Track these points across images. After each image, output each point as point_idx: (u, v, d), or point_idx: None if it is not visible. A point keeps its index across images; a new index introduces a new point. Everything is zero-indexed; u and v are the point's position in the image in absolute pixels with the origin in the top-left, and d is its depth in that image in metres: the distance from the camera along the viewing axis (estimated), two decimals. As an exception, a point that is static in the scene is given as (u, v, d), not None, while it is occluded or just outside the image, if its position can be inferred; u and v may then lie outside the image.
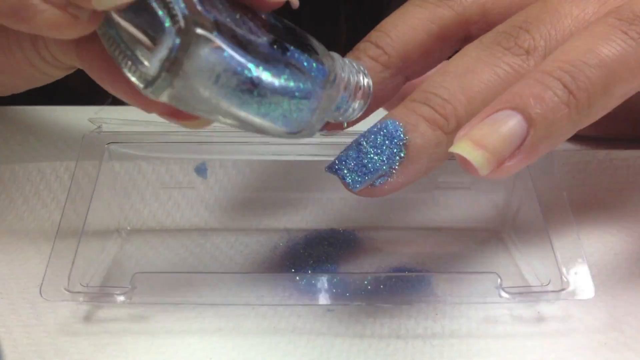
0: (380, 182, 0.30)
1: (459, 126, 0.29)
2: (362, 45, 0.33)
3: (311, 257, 0.37)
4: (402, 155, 0.29)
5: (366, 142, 0.30)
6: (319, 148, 0.38)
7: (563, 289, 0.31)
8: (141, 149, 0.37)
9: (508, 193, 0.39)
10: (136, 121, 0.37)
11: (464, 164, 0.27)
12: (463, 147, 0.27)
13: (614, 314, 0.32)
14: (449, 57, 0.33)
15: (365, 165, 0.30)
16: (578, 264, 0.32)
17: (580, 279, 0.31)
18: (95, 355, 0.30)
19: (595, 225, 0.38)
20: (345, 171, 0.30)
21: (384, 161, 0.30)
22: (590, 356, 0.30)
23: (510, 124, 0.27)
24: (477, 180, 0.39)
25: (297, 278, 0.32)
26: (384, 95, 0.34)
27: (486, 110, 0.27)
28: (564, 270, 0.32)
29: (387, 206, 0.40)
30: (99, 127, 0.37)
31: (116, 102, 0.58)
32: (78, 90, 0.53)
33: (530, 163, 0.27)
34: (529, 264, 0.36)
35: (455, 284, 0.33)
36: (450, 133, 0.29)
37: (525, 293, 0.31)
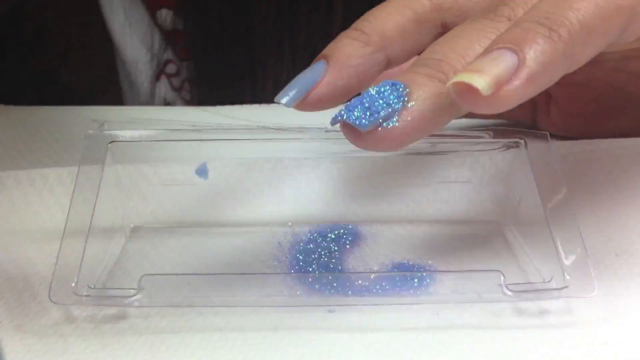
0: (388, 126, 0.29)
1: None
2: (343, 32, 0.35)
3: (315, 252, 0.37)
4: (405, 100, 0.29)
5: (370, 91, 0.30)
6: (321, 145, 0.38)
7: (566, 287, 0.31)
8: (144, 148, 0.37)
9: (508, 186, 0.39)
10: (138, 119, 0.37)
11: (463, 95, 0.27)
12: (462, 75, 0.27)
13: (616, 308, 0.32)
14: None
15: (369, 108, 0.29)
16: (580, 259, 0.32)
17: (582, 275, 0.32)
18: (95, 355, 0.30)
19: (596, 215, 0.38)
20: (350, 114, 0.29)
21: (388, 104, 0.29)
22: (591, 350, 0.30)
23: (503, 56, 0.28)
24: (477, 174, 0.40)
25: (310, 279, 0.33)
26: (365, 71, 0.34)
27: (482, 53, 0.29)
28: (566, 266, 0.32)
29: (389, 200, 0.40)
30: (102, 125, 0.37)
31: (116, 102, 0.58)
32: (78, 90, 0.53)
33: (529, 94, 0.28)
34: (530, 258, 0.36)
35: (459, 282, 0.33)
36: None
37: (529, 291, 0.32)
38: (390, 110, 0.29)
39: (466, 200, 0.40)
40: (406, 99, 0.29)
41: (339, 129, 0.37)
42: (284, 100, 0.32)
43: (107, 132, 0.37)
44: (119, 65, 0.67)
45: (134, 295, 0.32)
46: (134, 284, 0.32)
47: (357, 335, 0.31)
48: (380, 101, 0.29)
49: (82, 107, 0.48)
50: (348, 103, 0.30)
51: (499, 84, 0.27)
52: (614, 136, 0.43)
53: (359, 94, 0.30)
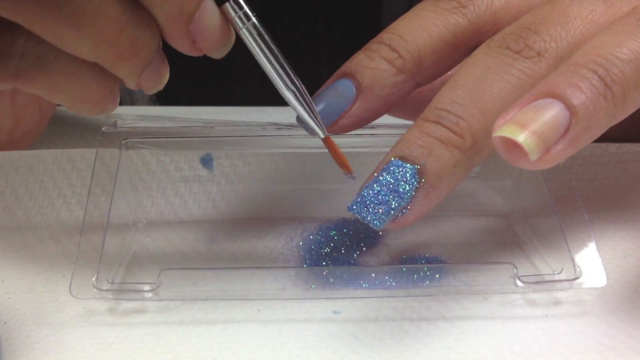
0: (402, 214, 0.30)
1: (475, 143, 0.29)
2: (374, 46, 0.33)
3: (326, 246, 0.38)
4: (419, 183, 0.29)
5: (382, 178, 0.30)
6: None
7: (576, 278, 0.32)
8: (157, 145, 0.38)
9: (517, 181, 0.40)
10: (150, 116, 0.38)
11: (508, 150, 0.26)
12: (509, 130, 0.26)
13: (625, 298, 0.33)
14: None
15: (383, 203, 0.30)
16: (589, 250, 0.33)
17: (592, 266, 0.33)
18: (99, 353, 0.30)
19: (605, 216, 0.39)
20: (366, 211, 0.30)
21: (401, 196, 0.29)
22: (602, 339, 0.31)
23: (553, 110, 0.26)
24: (486, 170, 0.40)
25: (325, 272, 0.34)
26: (393, 100, 0.33)
27: (524, 99, 0.27)
28: (576, 257, 0.33)
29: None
30: (115, 122, 0.37)
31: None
32: None
33: (573, 153, 0.27)
34: (539, 250, 0.37)
35: (471, 274, 0.34)
36: (467, 151, 0.29)
37: (541, 282, 0.33)
38: (403, 202, 0.30)
39: (476, 195, 0.41)
40: (419, 178, 0.29)
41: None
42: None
43: (120, 129, 0.37)
44: None
45: (154, 289, 0.32)
46: (151, 277, 0.33)
47: (368, 325, 0.32)
48: (394, 194, 0.30)
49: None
50: (360, 195, 0.30)
51: (548, 146, 0.26)
52: (609, 135, 0.43)
53: (372, 181, 0.30)
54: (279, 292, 0.34)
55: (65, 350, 0.30)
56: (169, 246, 0.38)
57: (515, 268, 0.33)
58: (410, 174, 0.29)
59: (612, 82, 0.27)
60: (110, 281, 0.33)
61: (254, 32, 0.30)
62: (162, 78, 0.31)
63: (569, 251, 0.33)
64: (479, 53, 0.31)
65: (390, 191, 0.30)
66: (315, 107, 0.32)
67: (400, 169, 0.30)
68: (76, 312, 0.33)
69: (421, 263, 0.37)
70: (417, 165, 0.29)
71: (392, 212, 0.30)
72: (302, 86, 0.31)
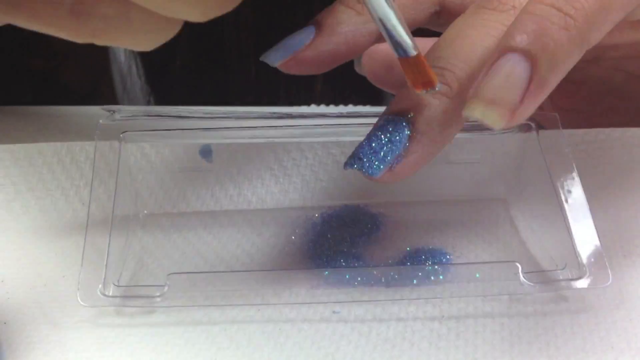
0: (398, 162, 0.30)
1: (461, 88, 0.29)
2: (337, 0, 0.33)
3: (328, 235, 0.37)
4: (409, 131, 0.29)
5: (376, 133, 0.30)
6: (328, 129, 0.38)
7: (581, 277, 0.32)
8: (157, 137, 0.37)
9: (518, 168, 0.40)
10: (148, 109, 0.37)
11: (479, 120, 0.27)
12: (475, 109, 0.26)
13: (629, 294, 0.33)
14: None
15: (377, 152, 0.30)
16: (593, 246, 0.33)
17: (596, 263, 0.32)
18: (100, 353, 0.30)
19: (608, 206, 0.38)
20: (361, 162, 0.30)
21: (395, 145, 0.30)
22: (606, 335, 0.31)
23: (512, 68, 0.26)
24: (487, 155, 0.40)
25: (326, 273, 0.34)
26: (357, 42, 0.33)
27: (488, 60, 0.27)
28: (580, 253, 0.33)
29: (400, 182, 0.40)
30: (113, 114, 0.37)
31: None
32: (78, 91, 0.52)
33: (542, 99, 0.27)
34: (541, 241, 0.37)
35: (475, 273, 0.33)
36: (455, 97, 0.29)
37: (546, 282, 0.33)
38: (397, 150, 0.30)
39: (476, 181, 0.40)
40: (410, 127, 0.29)
41: (348, 114, 0.37)
42: (269, 59, 0.32)
43: (118, 122, 0.37)
44: (112, 67, 0.65)
45: (161, 294, 0.32)
46: (156, 279, 0.33)
47: (369, 325, 0.32)
48: (386, 140, 0.30)
49: (86, 107, 0.47)
50: (355, 150, 0.30)
51: (512, 110, 0.26)
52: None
53: (366, 137, 0.30)
54: (285, 295, 0.33)
55: (66, 350, 0.30)
56: (170, 242, 0.38)
57: (520, 266, 0.32)
58: (401, 125, 0.30)
59: (574, 10, 0.26)
60: (117, 284, 0.33)
61: None
62: None
63: (574, 246, 0.33)
64: (458, 19, 0.31)
65: (384, 143, 0.30)
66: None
67: (392, 123, 0.30)
68: (76, 312, 0.33)
69: (425, 257, 0.36)
70: (407, 115, 0.30)
71: (388, 160, 0.30)
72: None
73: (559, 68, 0.27)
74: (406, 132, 0.30)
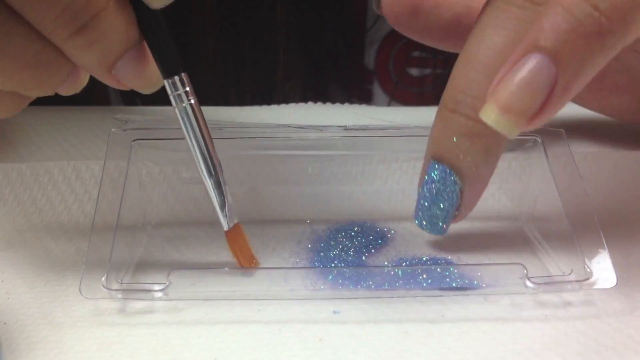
0: (459, 212, 0.33)
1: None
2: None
3: (335, 249, 0.37)
4: (460, 187, 0.31)
5: (425, 195, 0.33)
6: (339, 142, 0.38)
7: (587, 279, 0.32)
8: (166, 146, 0.38)
9: (526, 184, 0.40)
10: (159, 119, 0.38)
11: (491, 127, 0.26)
12: (489, 116, 0.25)
13: (636, 300, 0.33)
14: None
15: (436, 216, 0.33)
16: (599, 252, 0.32)
17: (602, 267, 0.32)
18: (100, 353, 0.30)
19: (615, 220, 0.38)
20: (425, 225, 0.34)
21: (450, 204, 0.32)
22: (602, 339, 0.30)
23: (535, 72, 0.24)
24: (495, 173, 0.40)
25: (328, 273, 0.33)
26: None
27: (512, 58, 0.25)
28: (586, 259, 0.32)
29: (408, 197, 0.40)
30: (125, 123, 0.37)
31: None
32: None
33: (566, 105, 0.25)
34: (549, 253, 0.36)
35: (480, 274, 0.33)
36: (492, 134, 0.27)
37: (551, 283, 0.32)
38: (453, 205, 0.33)
39: (485, 197, 0.40)
40: (459, 182, 0.31)
41: (357, 128, 0.37)
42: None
43: (130, 131, 0.37)
44: None
45: (163, 288, 0.32)
46: (160, 278, 0.33)
47: (369, 325, 0.31)
48: (440, 205, 0.33)
49: (96, 107, 0.48)
50: (416, 210, 0.34)
51: (529, 118, 0.25)
52: (613, 112, 0.42)
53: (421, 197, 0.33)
54: (288, 292, 0.33)
55: (66, 350, 0.30)
56: (176, 249, 0.38)
57: (525, 269, 0.32)
58: (450, 180, 0.32)
59: (609, 8, 0.23)
60: (120, 281, 0.33)
61: (190, 112, 0.32)
62: (143, 73, 0.29)
63: (580, 252, 0.33)
64: (484, 16, 0.30)
65: (437, 197, 0.33)
66: (229, 199, 0.33)
67: (437, 172, 0.32)
68: (76, 312, 0.32)
69: (430, 262, 0.36)
70: (450, 165, 0.31)
71: (446, 220, 0.33)
72: (223, 178, 0.33)
73: (587, 73, 0.25)
74: (455, 184, 0.31)
